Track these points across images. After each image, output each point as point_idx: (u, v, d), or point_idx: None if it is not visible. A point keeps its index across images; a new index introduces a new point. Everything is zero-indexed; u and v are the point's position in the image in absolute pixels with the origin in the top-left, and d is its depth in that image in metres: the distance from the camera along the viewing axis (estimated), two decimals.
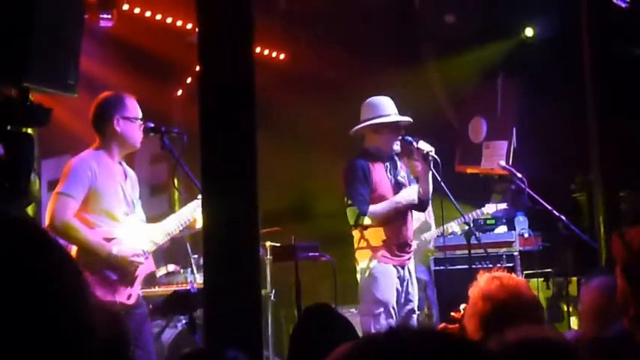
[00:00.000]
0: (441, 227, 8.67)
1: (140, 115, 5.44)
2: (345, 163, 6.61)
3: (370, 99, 6.71)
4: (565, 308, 8.24)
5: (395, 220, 6.47)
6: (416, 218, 6.99)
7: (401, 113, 6.65)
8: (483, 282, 3.36)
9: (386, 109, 6.60)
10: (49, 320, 1.16)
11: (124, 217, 5.38)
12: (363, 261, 6.43)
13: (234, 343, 2.18)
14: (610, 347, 2.89)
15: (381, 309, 6.30)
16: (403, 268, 6.50)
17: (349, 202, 6.48)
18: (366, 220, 6.39)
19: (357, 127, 6.67)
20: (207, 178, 2.35)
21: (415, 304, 6.59)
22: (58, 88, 3.72)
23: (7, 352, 1.10)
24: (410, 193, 6.55)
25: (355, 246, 6.52)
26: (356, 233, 6.51)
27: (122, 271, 5.25)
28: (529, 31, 10.42)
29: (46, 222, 5.16)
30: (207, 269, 2.30)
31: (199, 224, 5.54)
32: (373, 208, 6.40)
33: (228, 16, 2.41)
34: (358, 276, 6.47)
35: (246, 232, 2.31)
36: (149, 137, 5.56)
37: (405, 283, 6.50)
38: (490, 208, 8.98)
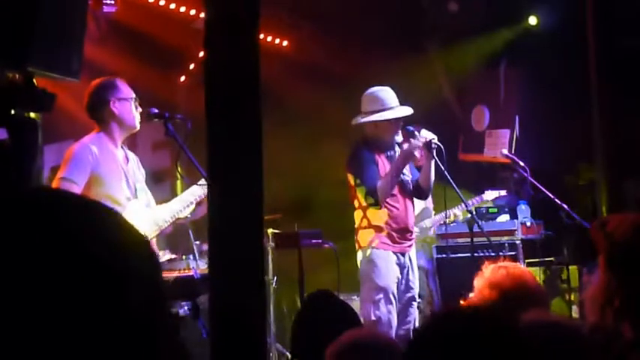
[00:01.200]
0: (443, 214, 8.69)
1: (133, 94, 5.47)
2: (349, 152, 6.62)
3: (370, 90, 6.69)
4: (567, 297, 8.25)
5: (396, 206, 6.48)
6: (416, 205, 6.98)
7: (403, 102, 6.64)
8: (489, 272, 3.38)
9: (386, 101, 6.59)
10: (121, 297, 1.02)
11: (127, 202, 5.39)
12: (364, 241, 6.44)
13: (239, 328, 2.19)
14: None
15: (381, 295, 6.31)
16: (404, 255, 6.51)
17: (358, 181, 6.48)
18: (375, 197, 6.38)
19: (357, 122, 6.66)
20: (213, 165, 2.35)
21: (416, 291, 6.60)
22: (62, 73, 3.72)
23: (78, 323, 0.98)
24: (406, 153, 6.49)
25: (356, 225, 6.53)
26: (358, 213, 6.52)
27: None
28: (533, 20, 10.41)
29: None
30: (212, 254, 2.31)
31: (202, 207, 5.60)
32: (379, 183, 6.41)
33: (235, 3, 2.41)
34: (359, 261, 6.48)
35: (252, 217, 2.31)
36: (152, 123, 5.57)
37: (405, 271, 6.50)
38: (490, 195, 9.00)
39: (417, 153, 6.59)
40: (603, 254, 2.90)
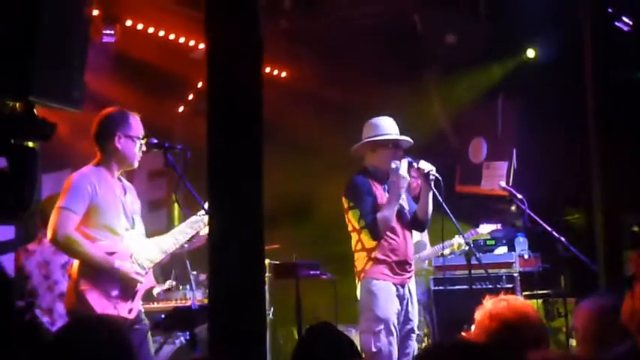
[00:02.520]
0: (437, 246, 8.68)
1: (142, 134, 5.46)
2: (346, 181, 6.61)
3: (372, 119, 6.70)
4: (564, 330, 8.22)
5: (395, 238, 6.46)
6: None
7: (402, 133, 6.64)
8: (490, 304, 3.38)
9: (385, 129, 6.60)
10: None
11: (125, 232, 5.39)
12: (360, 265, 6.41)
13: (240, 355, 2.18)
14: None
15: (382, 326, 6.27)
16: (403, 286, 6.48)
17: (351, 204, 6.47)
18: (374, 231, 6.36)
19: (355, 146, 6.67)
20: (214, 194, 2.35)
21: (415, 323, 6.56)
22: (63, 103, 3.72)
23: None
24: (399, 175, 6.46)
25: (352, 248, 6.51)
26: (353, 237, 6.52)
27: (123, 285, 5.26)
28: (531, 53, 10.44)
29: (49, 236, 5.18)
30: (213, 282, 2.30)
31: (203, 232, 5.60)
32: (379, 214, 6.39)
33: (237, 34, 2.42)
34: (358, 292, 6.45)
35: (252, 246, 2.31)
36: (149, 152, 5.57)
37: (404, 302, 6.47)
38: (485, 228, 8.99)
39: (407, 179, 6.50)
40: None
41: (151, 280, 5.55)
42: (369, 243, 6.42)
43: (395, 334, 6.32)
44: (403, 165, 6.45)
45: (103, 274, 5.16)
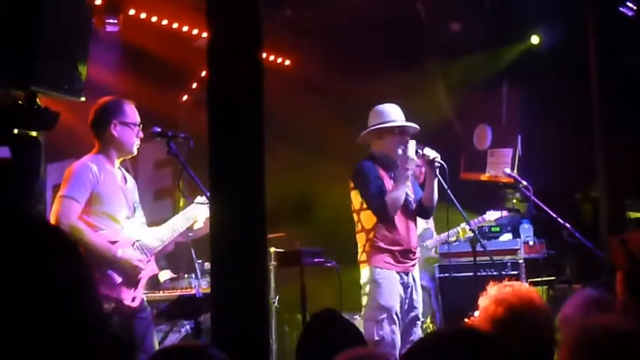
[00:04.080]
0: (444, 234, 8.67)
1: (138, 121, 5.48)
2: (353, 169, 6.60)
3: (377, 106, 6.69)
4: None
5: (399, 225, 6.46)
6: (418, 225, 6.96)
7: (407, 121, 6.63)
8: (495, 289, 3.37)
9: (391, 115, 6.59)
10: (62, 317, 1.17)
11: (126, 220, 5.41)
12: (370, 263, 6.42)
13: (242, 347, 2.18)
14: None
15: (385, 315, 6.28)
16: (407, 274, 6.48)
17: (357, 184, 6.49)
18: (383, 213, 6.37)
19: (362, 133, 6.66)
20: (215, 182, 2.35)
21: (420, 311, 6.56)
22: (65, 93, 3.73)
23: (21, 348, 1.11)
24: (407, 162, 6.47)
25: (361, 247, 6.52)
26: (354, 217, 6.54)
27: (126, 273, 5.27)
28: (535, 39, 10.42)
29: None
30: (215, 272, 2.30)
31: (198, 225, 5.61)
32: (387, 196, 6.39)
33: (238, 22, 2.42)
34: (362, 280, 6.46)
35: (254, 234, 2.31)
36: (155, 142, 5.58)
37: (408, 290, 6.48)
38: (492, 215, 8.98)
39: (414, 160, 6.50)
40: (622, 272, 2.86)
41: (154, 268, 5.57)
42: (368, 224, 6.44)
43: (398, 322, 6.33)
44: (411, 146, 6.43)
45: (105, 263, 5.18)
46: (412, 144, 6.46)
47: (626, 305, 2.81)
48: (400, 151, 6.47)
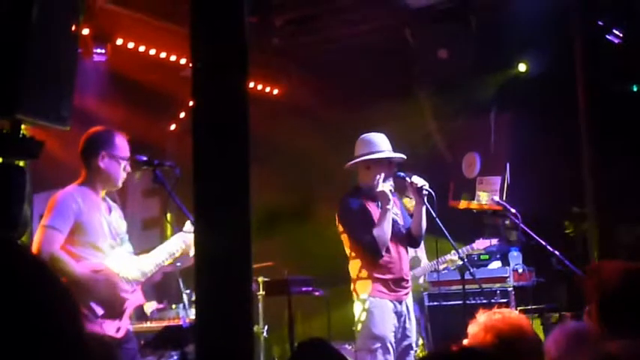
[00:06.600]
0: (432, 262, 8.65)
1: (127, 155, 5.43)
2: (339, 202, 6.57)
3: (364, 135, 6.67)
4: None
5: (390, 254, 6.43)
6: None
7: (395, 149, 6.61)
8: (484, 317, 3.35)
9: (378, 145, 6.57)
10: (45, 345, 1.15)
11: (110, 250, 5.35)
12: (363, 292, 6.38)
13: None
14: None
15: (378, 344, 6.24)
16: (400, 303, 6.45)
17: (347, 229, 6.45)
18: (373, 250, 6.34)
19: (349, 163, 6.64)
20: (200, 212, 2.33)
21: (413, 339, 6.52)
22: (50, 121, 3.70)
23: None
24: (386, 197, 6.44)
25: (354, 276, 6.48)
26: (355, 263, 6.48)
27: (110, 303, 5.21)
28: (522, 67, 10.45)
29: None
30: (200, 302, 2.27)
31: (190, 253, 5.56)
32: (374, 231, 6.36)
33: (223, 49, 2.40)
34: (355, 309, 6.42)
35: (240, 264, 2.28)
36: (146, 172, 5.54)
37: (402, 319, 6.44)
38: (480, 244, 8.96)
39: (386, 195, 6.47)
40: (594, 302, 2.84)
41: (139, 298, 5.51)
42: (366, 264, 6.41)
43: (392, 351, 6.29)
44: (380, 181, 6.41)
45: (88, 294, 5.11)
46: (380, 179, 6.41)
47: (602, 337, 2.79)
48: (375, 183, 6.43)
